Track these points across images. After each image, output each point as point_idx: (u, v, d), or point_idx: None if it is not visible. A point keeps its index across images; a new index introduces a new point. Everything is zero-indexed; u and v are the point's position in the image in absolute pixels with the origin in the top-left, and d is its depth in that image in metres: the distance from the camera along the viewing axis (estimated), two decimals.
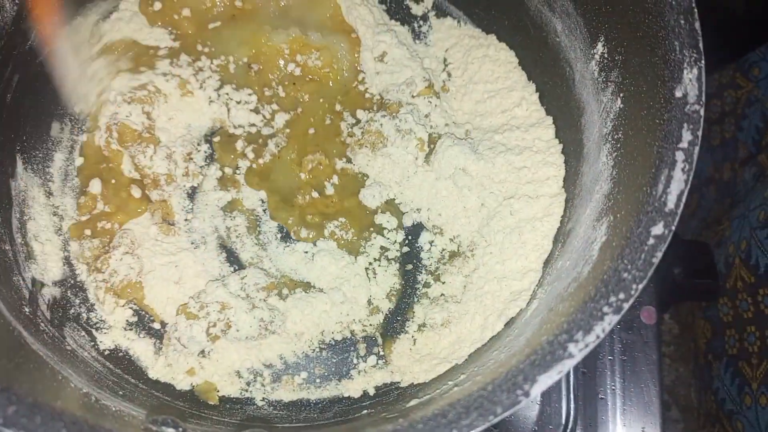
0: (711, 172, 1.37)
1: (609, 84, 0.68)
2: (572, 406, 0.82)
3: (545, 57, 0.82)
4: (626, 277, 0.49)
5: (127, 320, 0.75)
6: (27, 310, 0.65)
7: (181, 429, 0.51)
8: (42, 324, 0.67)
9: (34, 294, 0.69)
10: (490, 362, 0.60)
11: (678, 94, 0.56)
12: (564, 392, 0.81)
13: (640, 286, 0.49)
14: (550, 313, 0.58)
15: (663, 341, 1.52)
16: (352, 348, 0.78)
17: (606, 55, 0.69)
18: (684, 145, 0.54)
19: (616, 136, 0.65)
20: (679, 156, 0.53)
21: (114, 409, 0.55)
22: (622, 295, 0.49)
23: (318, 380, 0.76)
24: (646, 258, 0.50)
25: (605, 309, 0.48)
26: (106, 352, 0.73)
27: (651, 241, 0.50)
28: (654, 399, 0.84)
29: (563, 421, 0.81)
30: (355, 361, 0.77)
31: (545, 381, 0.46)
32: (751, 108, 1.24)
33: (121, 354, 0.73)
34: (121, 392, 0.63)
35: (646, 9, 0.61)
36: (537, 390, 0.46)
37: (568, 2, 0.74)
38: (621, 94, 0.66)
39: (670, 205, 0.52)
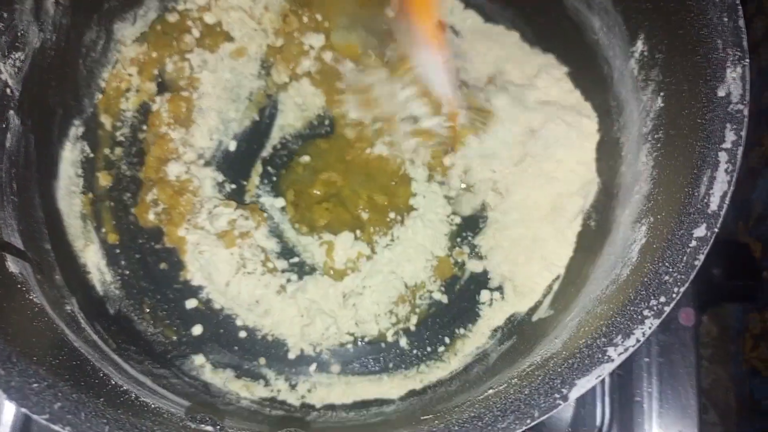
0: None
1: (649, 82, 0.67)
2: (607, 408, 0.80)
3: (582, 55, 0.80)
4: (667, 279, 0.49)
5: None
6: (68, 308, 0.67)
7: (219, 426, 0.51)
8: (83, 322, 0.68)
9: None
10: (525, 365, 0.60)
11: (721, 93, 0.54)
12: (599, 394, 0.80)
13: (682, 290, 0.48)
14: (588, 316, 0.57)
15: (701, 343, 1.49)
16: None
17: (646, 53, 0.67)
18: (727, 145, 0.52)
19: (656, 136, 0.64)
20: (722, 157, 0.52)
21: (153, 406, 0.56)
22: (663, 299, 0.48)
23: (353, 378, 0.77)
24: (687, 260, 0.49)
25: (646, 312, 0.48)
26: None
27: (693, 243, 0.50)
28: (691, 402, 0.82)
29: (598, 424, 0.80)
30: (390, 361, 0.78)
31: (584, 385, 0.46)
32: None
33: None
34: (160, 390, 0.64)
35: (688, 6, 0.59)
36: (575, 394, 0.46)
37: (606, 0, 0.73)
38: (662, 93, 0.64)
39: (713, 206, 0.51)
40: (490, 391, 0.56)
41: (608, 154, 0.76)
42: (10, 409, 0.77)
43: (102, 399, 0.46)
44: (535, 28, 0.89)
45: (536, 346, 0.66)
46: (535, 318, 0.78)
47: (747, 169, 1.31)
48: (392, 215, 0.82)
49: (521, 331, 0.79)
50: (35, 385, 0.44)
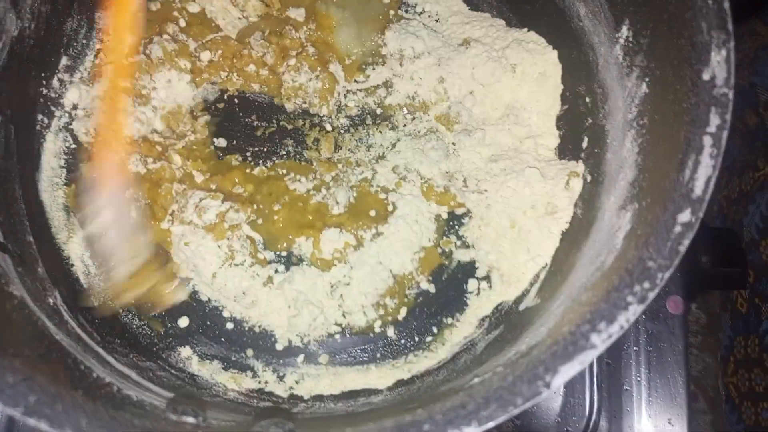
0: (733, 120, 1.37)
1: (634, 68, 0.66)
2: (596, 397, 0.80)
3: (567, 42, 0.80)
4: (651, 265, 0.48)
5: None
6: (51, 300, 0.66)
7: (201, 417, 0.51)
8: (65, 314, 0.67)
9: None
10: (511, 353, 0.59)
11: (705, 77, 0.54)
12: (588, 383, 0.80)
13: (666, 275, 0.48)
14: (573, 303, 0.57)
15: (690, 331, 1.49)
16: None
17: (631, 39, 0.67)
18: (712, 129, 0.52)
19: (641, 122, 0.64)
20: (707, 141, 0.51)
21: (136, 398, 0.55)
22: (647, 284, 0.47)
23: (341, 369, 0.76)
24: (672, 246, 0.48)
25: (629, 298, 0.47)
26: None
27: (678, 228, 0.49)
28: (680, 390, 0.82)
29: (587, 412, 0.80)
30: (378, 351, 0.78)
31: (567, 372, 0.45)
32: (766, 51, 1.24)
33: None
34: (144, 382, 0.63)
35: None
36: (558, 381, 0.45)
37: None
38: (646, 79, 0.64)
39: (698, 191, 0.50)
40: (476, 380, 0.56)
41: (594, 141, 0.76)
42: None
43: (81, 391, 0.46)
44: (520, 14, 0.88)
45: (522, 334, 0.66)
46: (522, 307, 0.78)
47: (738, 192, 1.31)
48: (372, 213, 0.82)
49: (508, 320, 0.78)
50: (10, 378, 0.43)
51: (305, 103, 0.86)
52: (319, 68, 0.84)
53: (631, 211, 0.58)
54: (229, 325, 0.78)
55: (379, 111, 0.87)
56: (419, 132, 0.85)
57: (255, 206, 0.80)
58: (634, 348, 0.83)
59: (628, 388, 0.82)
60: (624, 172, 0.64)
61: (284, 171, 0.83)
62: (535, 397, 0.45)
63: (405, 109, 0.86)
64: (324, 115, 0.86)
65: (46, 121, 0.81)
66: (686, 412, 0.81)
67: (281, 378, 0.77)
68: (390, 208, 0.82)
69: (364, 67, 0.88)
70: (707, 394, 1.47)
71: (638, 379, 0.82)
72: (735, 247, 1.07)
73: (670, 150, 0.55)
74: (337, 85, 0.86)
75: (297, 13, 0.87)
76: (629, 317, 0.47)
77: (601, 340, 0.46)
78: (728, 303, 1.36)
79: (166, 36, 0.83)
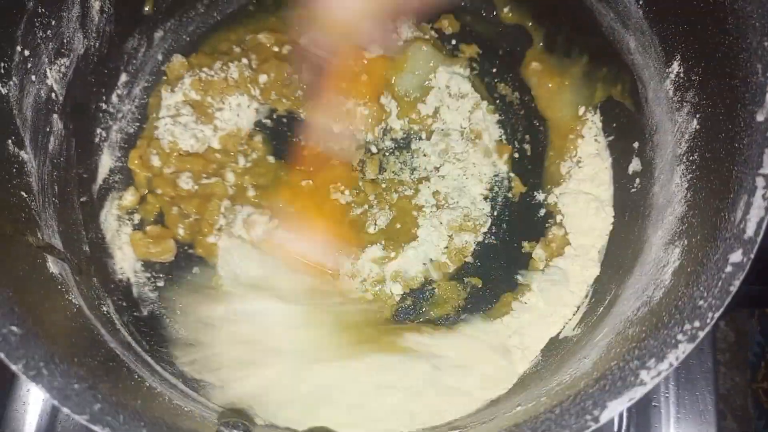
0: None
1: (684, 104, 0.67)
2: (624, 413, 0.80)
3: (616, 74, 0.81)
4: (702, 304, 0.48)
5: None
6: (104, 309, 0.69)
7: None
8: (117, 323, 0.70)
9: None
10: (554, 383, 0.60)
11: (759, 118, 0.54)
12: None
13: (716, 315, 0.48)
14: (618, 337, 0.57)
15: (718, 349, 1.47)
16: None
17: (682, 75, 0.67)
18: (765, 170, 0.52)
19: (691, 158, 0.64)
20: (760, 182, 0.52)
21: (186, 409, 0.57)
22: (697, 323, 0.48)
23: None
24: (723, 286, 0.49)
25: (679, 337, 0.47)
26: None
27: (729, 268, 0.49)
28: (709, 407, 0.81)
29: (615, 429, 0.80)
30: None
31: (615, 407, 0.46)
32: None
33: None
34: (191, 393, 0.65)
35: (727, 30, 0.59)
36: (606, 416, 0.46)
37: (642, 20, 0.72)
38: (697, 115, 0.64)
39: (749, 232, 0.50)
40: (519, 408, 0.56)
41: (641, 174, 0.76)
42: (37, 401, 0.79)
43: (139, 401, 0.47)
44: (568, 45, 0.89)
45: (564, 364, 0.66)
46: (561, 336, 0.78)
47: None
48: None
49: (547, 349, 0.78)
50: (76, 385, 0.45)
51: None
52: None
53: (679, 247, 0.59)
54: None
55: (423, 135, 0.88)
56: (465, 158, 0.86)
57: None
58: None
59: (656, 404, 0.81)
60: (672, 206, 0.65)
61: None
62: (583, 431, 0.45)
63: (455, 134, 0.87)
64: (369, 140, 0.88)
65: (104, 134, 0.84)
66: (715, 430, 0.81)
67: None
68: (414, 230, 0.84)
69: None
70: (735, 413, 1.45)
71: (666, 395, 0.81)
72: (764, 266, 1.05)
73: (721, 188, 0.55)
74: (385, 116, 0.88)
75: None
76: (679, 355, 0.47)
77: (650, 377, 0.46)
78: (756, 309, 1.34)
79: (244, 60, 0.86)
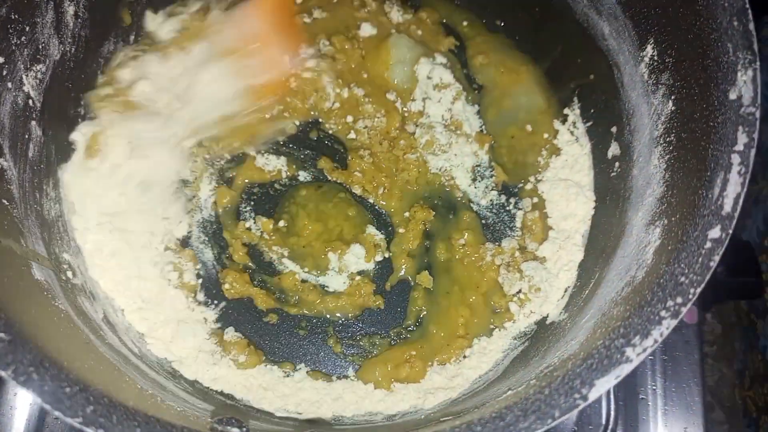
0: None
1: (660, 86, 0.68)
2: (612, 406, 0.81)
3: (592, 60, 0.82)
4: (683, 281, 0.49)
5: None
6: (92, 316, 0.68)
7: (245, 429, 0.52)
8: (105, 327, 0.69)
9: None
10: (543, 366, 0.60)
11: (732, 96, 0.55)
12: (604, 392, 0.80)
13: (698, 290, 0.49)
14: (604, 317, 0.58)
15: (705, 341, 1.49)
16: None
17: (656, 58, 0.68)
18: (740, 147, 0.53)
19: (668, 139, 0.65)
20: (735, 159, 0.53)
21: (179, 409, 0.57)
22: (679, 299, 0.49)
23: None
24: (703, 262, 0.50)
25: (663, 313, 0.48)
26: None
27: (708, 244, 0.50)
28: (696, 399, 0.83)
29: (603, 422, 0.81)
30: None
31: (603, 385, 0.46)
32: None
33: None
34: (182, 394, 0.65)
35: (697, 11, 0.60)
36: (595, 394, 0.46)
37: (615, 5, 0.74)
38: (672, 97, 0.65)
39: (727, 208, 0.51)
40: (509, 392, 0.57)
41: (620, 158, 0.77)
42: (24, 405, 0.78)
43: (131, 402, 0.47)
44: (544, 35, 0.90)
45: (551, 348, 0.67)
46: (548, 321, 0.78)
47: None
48: None
49: (535, 335, 0.79)
50: (68, 389, 0.45)
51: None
52: (383, 110, 0.87)
53: (660, 226, 0.60)
54: None
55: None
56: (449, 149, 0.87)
57: None
58: (650, 357, 0.83)
59: (644, 397, 0.83)
60: (652, 187, 0.66)
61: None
62: (573, 409, 0.46)
63: (439, 126, 0.88)
64: None
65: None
66: (702, 422, 0.82)
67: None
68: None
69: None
70: (723, 405, 1.47)
71: (654, 388, 0.83)
72: (749, 258, 1.08)
73: (698, 167, 0.57)
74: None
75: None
76: (663, 331, 0.48)
77: (635, 354, 0.47)
78: (741, 315, 1.37)
79: None
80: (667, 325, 0.48)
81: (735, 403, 1.41)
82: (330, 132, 0.88)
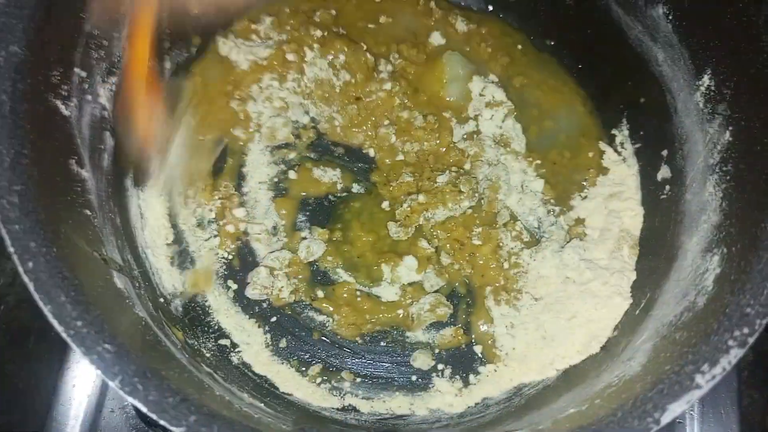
0: None
1: (716, 116, 0.70)
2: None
3: (643, 84, 0.84)
4: (750, 312, 0.52)
5: None
6: (166, 325, 0.71)
7: None
8: (168, 329, 0.72)
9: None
10: (602, 385, 0.63)
11: None
12: None
13: (764, 322, 0.51)
14: (664, 341, 0.60)
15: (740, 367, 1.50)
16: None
17: (713, 88, 0.70)
18: None
19: (724, 168, 0.67)
20: None
21: (257, 417, 0.60)
22: (746, 330, 0.51)
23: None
24: None
25: (730, 342, 0.51)
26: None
27: None
28: (733, 426, 0.84)
29: None
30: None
31: (675, 410, 0.49)
32: None
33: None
34: (257, 403, 0.68)
35: (761, 48, 0.62)
36: (667, 418, 0.49)
37: (671, 34, 0.76)
38: (730, 128, 0.67)
39: None
40: (572, 411, 0.59)
41: (671, 181, 0.79)
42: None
43: (225, 411, 0.50)
44: (593, 58, 0.92)
45: (606, 366, 0.69)
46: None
47: None
48: None
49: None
50: (170, 399, 0.48)
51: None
52: (438, 135, 0.90)
53: (718, 254, 0.62)
54: None
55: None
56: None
57: None
58: None
59: (680, 421, 0.84)
60: (707, 214, 0.68)
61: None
62: None
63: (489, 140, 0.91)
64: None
65: None
66: None
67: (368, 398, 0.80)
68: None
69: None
70: (754, 430, 1.48)
71: (691, 412, 0.84)
72: None
73: (758, 200, 0.59)
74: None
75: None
76: (731, 360, 0.50)
77: (705, 381, 0.50)
78: None
79: None
80: (735, 354, 0.50)
81: (765, 428, 1.42)
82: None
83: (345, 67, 0.90)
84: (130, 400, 0.48)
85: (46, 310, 0.49)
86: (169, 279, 0.81)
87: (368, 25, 0.95)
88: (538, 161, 0.91)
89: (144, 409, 0.47)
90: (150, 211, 0.83)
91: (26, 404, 0.89)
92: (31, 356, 0.94)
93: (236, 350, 0.79)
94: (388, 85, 0.90)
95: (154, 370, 0.50)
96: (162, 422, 0.47)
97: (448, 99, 0.92)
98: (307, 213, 0.88)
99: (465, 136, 0.91)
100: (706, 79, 0.72)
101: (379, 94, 0.90)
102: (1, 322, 0.99)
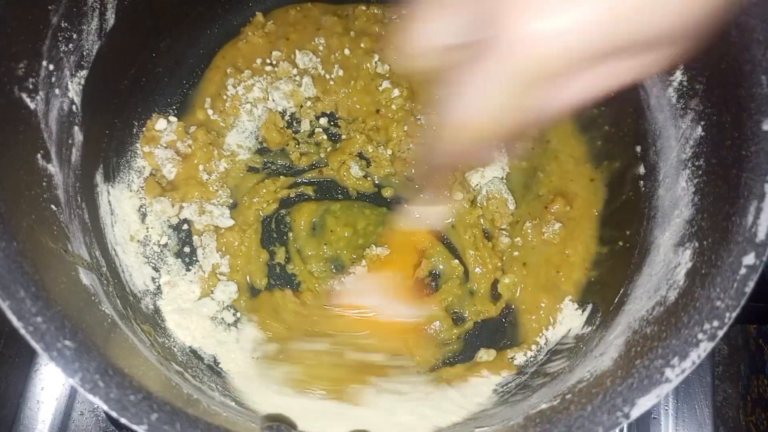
0: None
1: (688, 111, 0.70)
2: (625, 425, 0.82)
3: None
4: (720, 305, 0.52)
5: None
6: (134, 321, 0.70)
7: None
8: (148, 338, 0.71)
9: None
10: (574, 380, 0.63)
11: (765, 127, 0.57)
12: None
13: (734, 314, 0.51)
14: (636, 336, 0.60)
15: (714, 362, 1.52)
16: None
17: (685, 83, 0.70)
18: None
19: (696, 163, 0.67)
20: None
21: (224, 415, 0.59)
22: (716, 323, 0.51)
23: None
24: (738, 287, 0.52)
25: (700, 336, 0.51)
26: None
27: (743, 270, 0.53)
28: (707, 420, 0.85)
29: None
30: None
31: (644, 404, 0.49)
32: None
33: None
34: (222, 399, 0.67)
35: (731, 41, 0.62)
36: (636, 412, 0.49)
37: None
38: (702, 122, 0.67)
39: (761, 236, 0.53)
40: (544, 406, 0.59)
41: (645, 177, 0.79)
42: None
43: (190, 409, 0.49)
44: None
45: (579, 362, 0.69)
46: (571, 334, 0.81)
47: None
48: None
49: (556, 347, 0.81)
50: (132, 396, 0.47)
51: None
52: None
53: (690, 249, 0.62)
54: None
55: None
56: None
57: None
58: None
59: (655, 416, 0.85)
60: (679, 209, 0.68)
61: None
62: (615, 427, 0.48)
63: None
64: None
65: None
66: None
67: None
68: None
69: None
70: (728, 425, 1.50)
71: (666, 408, 0.85)
72: (760, 283, 1.10)
73: (730, 194, 0.59)
74: None
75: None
76: (700, 353, 0.50)
77: (675, 375, 0.50)
78: (748, 339, 1.39)
79: None
80: (705, 347, 0.50)
81: (739, 425, 1.44)
82: None
83: None
84: (91, 398, 0.47)
85: (5, 306, 0.48)
86: (140, 276, 0.80)
87: None
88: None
89: (104, 407, 0.46)
90: (120, 207, 0.82)
91: None
92: (1, 361, 0.92)
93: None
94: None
95: (117, 367, 0.49)
96: (123, 420, 0.46)
97: None
98: None
99: None
100: (678, 75, 0.72)
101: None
102: None
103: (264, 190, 0.87)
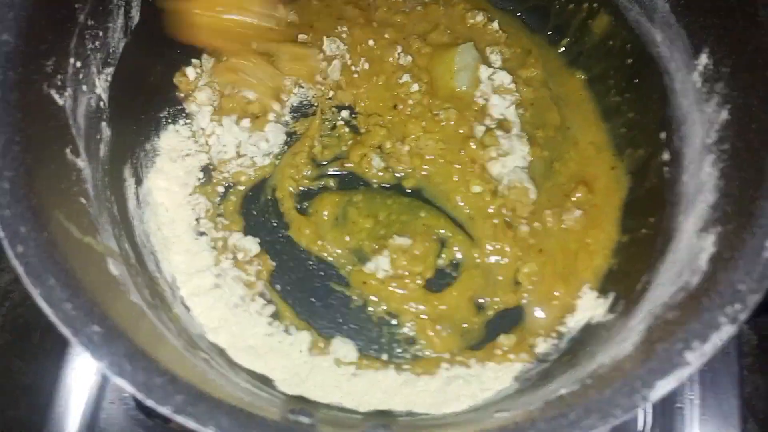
0: None
1: (713, 95, 0.69)
2: (649, 414, 0.82)
3: (641, 66, 0.83)
4: (742, 288, 0.51)
5: None
6: (162, 311, 0.72)
7: (315, 417, 0.55)
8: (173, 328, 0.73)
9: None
10: (594, 366, 0.62)
11: None
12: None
13: (757, 298, 0.51)
14: (658, 321, 0.60)
15: (741, 352, 1.49)
16: None
17: (711, 67, 0.69)
18: None
19: (722, 148, 0.66)
20: None
21: (247, 399, 0.60)
22: (738, 306, 0.51)
23: None
24: (762, 270, 0.51)
25: (721, 319, 0.50)
26: None
27: (766, 254, 0.52)
28: (734, 411, 0.83)
29: (639, 429, 0.82)
30: None
31: (664, 387, 0.48)
32: None
33: None
34: (242, 383, 0.68)
35: (758, 23, 0.61)
36: (655, 395, 0.48)
37: (669, 14, 0.75)
38: (727, 106, 0.66)
39: None
40: (563, 391, 0.59)
41: (670, 163, 0.78)
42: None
43: (214, 392, 0.50)
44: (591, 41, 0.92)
45: (600, 348, 0.69)
46: (594, 322, 0.80)
47: None
48: None
49: (578, 335, 0.81)
50: (158, 379, 0.49)
51: None
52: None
53: (713, 234, 0.61)
54: None
55: None
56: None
57: None
58: None
59: (680, 406, 0.83)
60: (703, 194, 0.67)
61: None
62: (633, 408, 0.48)
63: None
64: None
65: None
66: None
67: None
68: None
69: None
70: (757, 417, 1.46)
71: (691, 397, 0.83)
72: None
73: (755, 177, 0.58)
74: None
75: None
76: (722, 337, 0.50)
77: (695, 358, 0.49)
78: None
79: None
80: (727, 331, 0.50)
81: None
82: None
83: None
84: (118, 380, 0.48)
85: (36, 294, 0.50)
86: (168, 268, 0.82)
87: None
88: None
89: (131, 389, 0.48)
90: (149, 199, 0.84)
91: (31, 399, 0.90)
92: (36, 352, 0.96)
93: None
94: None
95: (144, 351, 0.51)
96: (149, 402, 0.47)
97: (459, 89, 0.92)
98: None
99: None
100: (703, 58, 0.71)
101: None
102: (6, 319, 1.01)
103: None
